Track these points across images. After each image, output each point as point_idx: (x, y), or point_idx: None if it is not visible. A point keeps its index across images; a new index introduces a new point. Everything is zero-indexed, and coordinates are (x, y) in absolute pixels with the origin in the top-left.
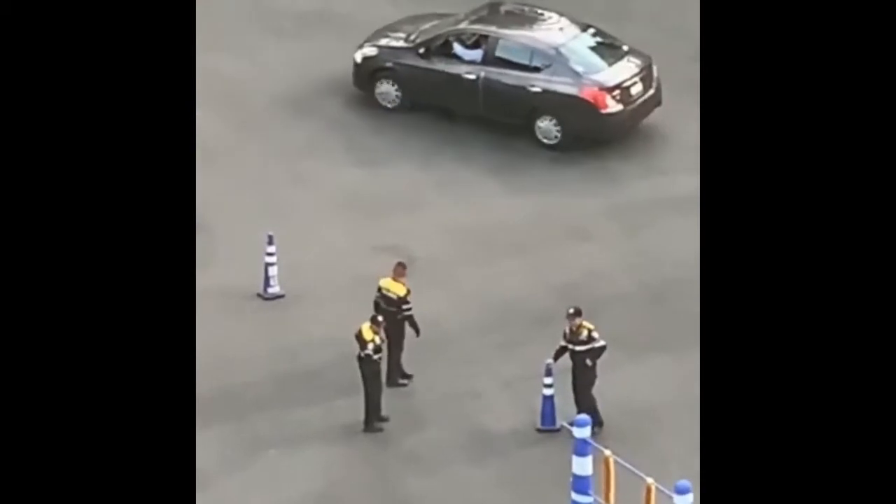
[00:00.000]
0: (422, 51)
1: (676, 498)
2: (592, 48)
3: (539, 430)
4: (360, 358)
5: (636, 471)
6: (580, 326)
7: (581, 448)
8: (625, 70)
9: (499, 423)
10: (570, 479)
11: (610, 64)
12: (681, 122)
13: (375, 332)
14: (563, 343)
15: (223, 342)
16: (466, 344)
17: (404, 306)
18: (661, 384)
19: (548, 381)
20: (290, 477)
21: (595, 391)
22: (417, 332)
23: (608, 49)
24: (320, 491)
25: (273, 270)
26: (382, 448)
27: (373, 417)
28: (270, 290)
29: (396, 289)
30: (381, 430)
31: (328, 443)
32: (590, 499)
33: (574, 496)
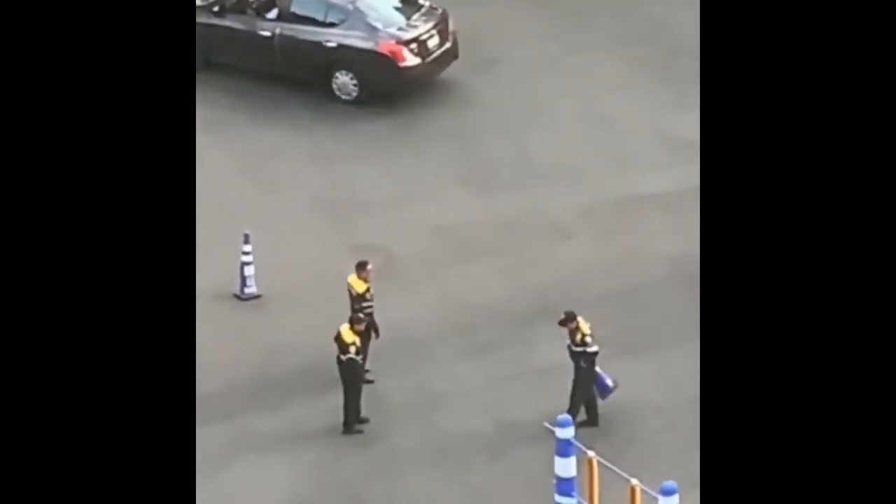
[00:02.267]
0: (216, 9)
1: (661, 499)
2: (389, 2)
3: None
4: (339, 360)
5: (620, 472)
6: (574, 330)
7: (564, 449)
8: (421, 23)
9: (478, 425)
10: (553, 482)
11: (406, 17)
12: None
13: (357, 334)
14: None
15: (201, 343)
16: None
17: (364, 304)
18: (647, 383)
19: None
20: (267, 481)
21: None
22: (376, 332)
23: (404, 3)
24: (299, 495)
25: (249, 270)
26: (361, 450)
27: (352, 420)
28: (247, 291)
29: (356, 285)
30: (360, 432)
31: (306, 445)
32: (573, 500)
33: (557, 498)
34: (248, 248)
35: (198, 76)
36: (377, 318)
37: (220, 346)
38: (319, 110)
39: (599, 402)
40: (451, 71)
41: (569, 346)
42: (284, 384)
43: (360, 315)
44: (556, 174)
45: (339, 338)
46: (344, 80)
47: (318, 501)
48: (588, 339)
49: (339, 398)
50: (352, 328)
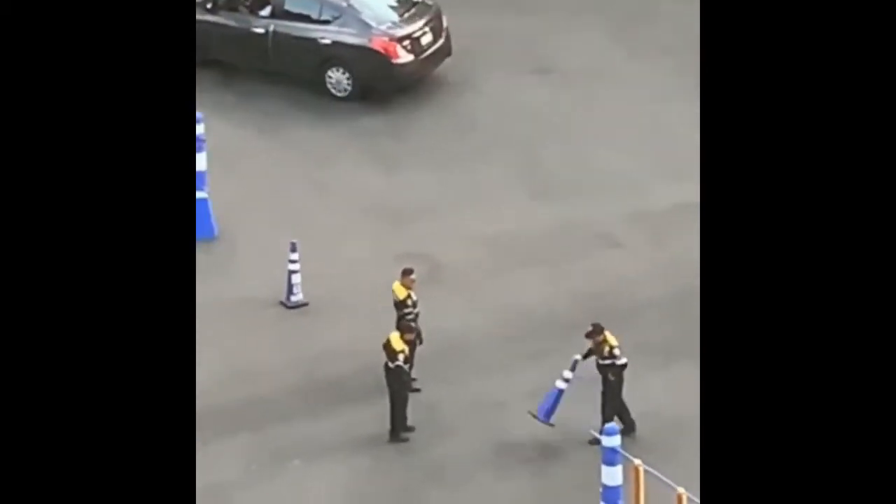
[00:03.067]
0: (209, 6)
1: None
2: None
3: (531, 414)
4: (387, 368)
5: (667, 480)
6: (602, 343)
7: (610, 457)
8: (414, 20)
9: (525, 434)
10: (600, 490)
11: (400, 14)
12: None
13: (406, 342)
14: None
15: (246, 352)
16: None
17: (405, 310)
18: (691, 393)
19: (566, 374)
20: (314, 488)
21: (627, 399)
22: (420, 338)
23: (398, 0)
24: (345, 501)
25: (296, 278)
26: (408, 459)
27: (399, 428)
28: (294, 299)
29: (398, 291)
30: (406, 440)
31: (353, 453)
32: None
33: None
34: (294, 256)
35: (202, 74)
36: (421, 324)
37: (266, 353)
38: (373, 112)
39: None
40: (504, 78)
41: (596, 360)
42: (330, 392)
43: (411, 324)
44: (606, 182)
45: (387, 345)
46: (338, 77)
47: None
48: (616, 352)
49: (386, 406)
50: (402, 336)
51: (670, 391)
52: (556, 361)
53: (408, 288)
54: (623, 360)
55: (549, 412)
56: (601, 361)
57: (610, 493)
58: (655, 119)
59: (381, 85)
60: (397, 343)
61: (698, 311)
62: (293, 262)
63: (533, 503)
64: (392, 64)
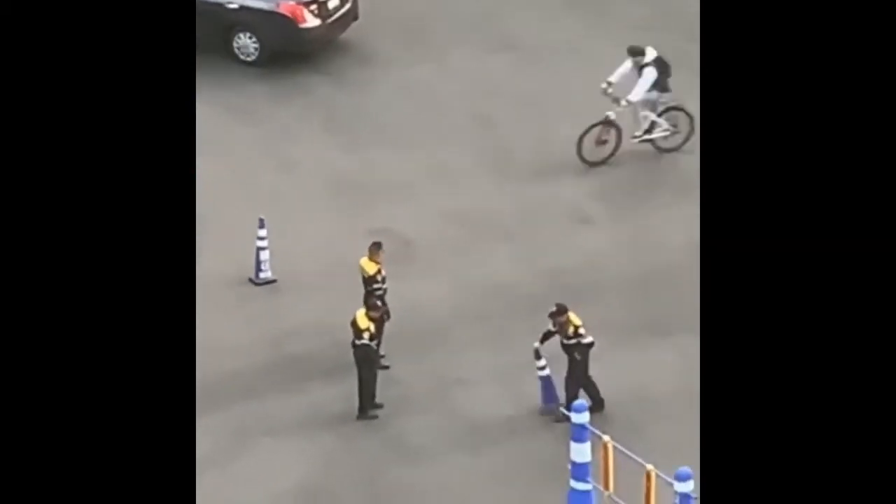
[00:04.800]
0: None
1: (677, 485)
2: None
3: (543, 413)
4: (354, 345)
5: (636, 457)
6: (566, 323)
7: (579, 434)
8: None
9: (493, 411)
10: (569, 466)
11: None
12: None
13: (371, 320)
14: (550, 328)
15: (215, 329)
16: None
17: (375, 285)
18: (660, 370)
19: (540, 363)
20: (282, 466)
21: (595, 377)
22: (387, 315)
23: None
24: (313, 479)
25: (264, 255)
26: (376, 436)
27: (367, 405)
28: (262, 276)
29: (367, 267)
30: (375, 417)
31: (321, 430)
32: (589, 486)
33: (573, 483)
34: (263, 232)
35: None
36: (390, 301)
37: (234, 331)
38: (335, 85)
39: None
40: (470, 52)
41: (560, 340)
42: (300, 369)
43: (377, 301)
44: (574, 159)
45: (354, 323)
46: (245, 42)
47: (332, 486)
48: (581, 331)
49: (354, 383)
50: (367, 314)
51: (639, 368)
52: (524, 338)
53: (377, 263)
54: (589, 339)
55: (551, 398)
56: (566, 341)
57: (579, 470)
58: (622, 96)
59: (288, 49)
60: (363, 321)
61: (665, 289)
62: (261, 238)
63: (502, 481)
64: (299, 28)
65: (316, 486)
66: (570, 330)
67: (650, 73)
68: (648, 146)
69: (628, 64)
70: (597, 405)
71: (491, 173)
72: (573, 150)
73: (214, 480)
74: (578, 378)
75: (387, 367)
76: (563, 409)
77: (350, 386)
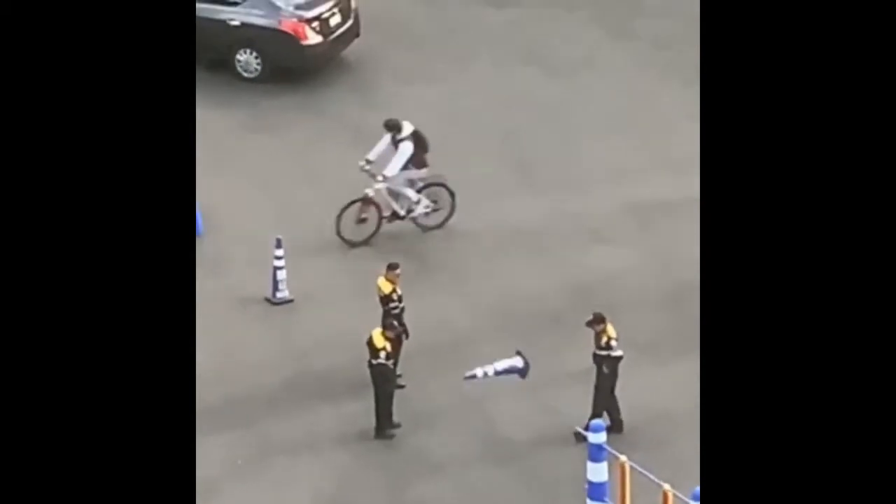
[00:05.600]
0: None
1: None
2: None
3: (579, 434)
4: (370, 365)
5: (652, 477)
6: (601, 333)
7: (596, 454)
8: (323, 1)
9: (513, 428)
10: (585, 486)
11: None
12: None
13: (388, 339)
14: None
15: (231, 347)
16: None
17: (391, 304)
18: (678, 388)
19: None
20: (299, 483)
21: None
22: (405, 333)
23: None
24: (330, 497)
25: (281, 274)
26: (394, 454)
27: (384, 423)
28: (279, 295)
29: (383, 287)
30: (392, 436)
31: (339, 448)
32: None
33: (589, 503)
34: (279, 252)
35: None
36: (409, 318)
37: (252, 350)
38: (354, 101)
39: (621, 406)
40: (490, 67)
41: (593, 351)
42: (316, 388)
43: (394, 322)
44: (594, 176)
45: (370, 342)
46: (247, 59)
47: (356, 503)
48: (613, 343)
49: (371, 402)
50: (383, 333)
51: (658, 387)
52: (544, 355)
53: (392, 283)
54: (618, 353)
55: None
56: (597, 352)
57: (595, 490)
58: (642, 113)
59: (291, 66)
60: (379, 340)
61: (688, 306)
62: (278, 258)
63: (519, 499)
64: (301, 45)
65: (333, 502)
66: (604, 340)
67: (406, 148)
68: None
69: (386, 139)
70: (616, 426)
71: (513, 187)
72: (595, 164)
73: (232, 497)
74: (604, 393)
75: (402, 387)
76: (579, 429)
77: (367, 404)
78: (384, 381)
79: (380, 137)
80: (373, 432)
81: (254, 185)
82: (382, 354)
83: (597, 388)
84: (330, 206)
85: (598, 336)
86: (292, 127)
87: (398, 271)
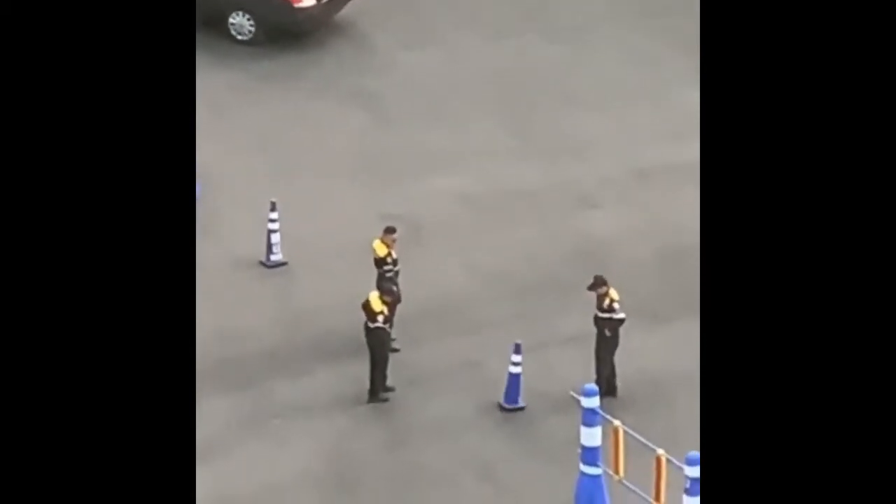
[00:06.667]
0: None
1: (687, 469)
2: None
3: (501, 408)
4: (367, 329)
5: (646, 442)
6: (604, 295)
7: (589, 418)
8: None
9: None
10: (579, 451)
11: None
12: None
13: (385, 303)
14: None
15: (225, 311)
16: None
17: (385, 267)
18: (675, 352)
19: (516, 359)
20: (294, 447)
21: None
22: (399, 298)
23: None
24: (325, 460)
25: (276, 238)
26: (387, 419)
27: (378, 388)
28: (273, 258)
29: (378, 249)
30: (386, 400)
31: (333, 413)
32: (599, 470)
33: (583, 467)
34: (274, 215)
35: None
36: (402, 283)
37: (245, 313)
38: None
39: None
40: (480, 36)
41: (594, 314)
42: (310, 352)
43: (391, 286)
44: (592, 140)
45: (367, 306)
46: (240, 21)
47: (340, 469)
48: (616, 306)
49: (365, 366)
50: (380, 297)
51: (653, 351)
52: (537, 321)
53: (388, 246)
54: (621, 315)
55: (514, 397)
56: (600, 314)
57: (589, 454)
58: (629, 81)
59: (284, 29)
60: (376, 304)
61: (684, 270)
62: (272, 221)
63: (512, 464)
64: (294, 8)
65: (327, 469)
66: (606, 303)
67: None
68: None
69: None
70: (610, 390)
71: (511, 151)
72: (593, 134)
73: (227, 460)
74: (606, 357)
75: (397, 350)
76: (572, 393)
77: (361, 368)
78: (381, 346)
79: (377, 101)
80: (366, 396)
81: (249, 148)
82: (380, 318)
83: (598, 351)
84: (324, 169)
85: (600, 298)
86: (287, 90)
87: (395, 235)
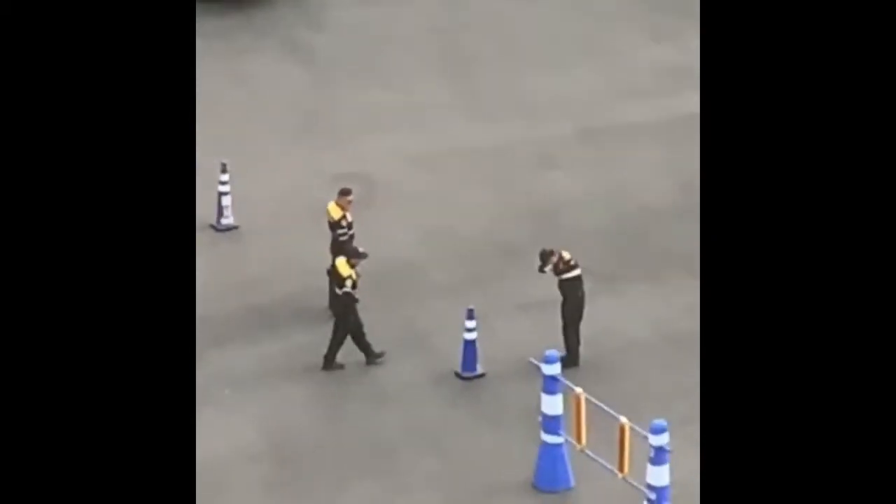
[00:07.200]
0: None
1: (652, 438)
2: None
3: (459, 376)
4: (333, 295)
5: (609, 409)
6: (557, 263)
7: (550, 386)
8: None
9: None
10: (539, 419)
11: None
12: None
13: (352, 266)
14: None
15: None
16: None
17: (339, 231)
18: (637, 319)
19: (470, 324)
20: (242, 416)
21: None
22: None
23: None
24: (277, 429)
25: (226, 200)
26: (343, 386)
27: (333, 357)
28: (224, 222)
29: (332, 212)
30: (342, 367)
31: (288, 380)
32: (560, 439)
33: (544, 436)
34: (225, 177)
35: None
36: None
37: (196, 278)
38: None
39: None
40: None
41: (557, 281)
42: (263, 319)
43: (358, 248)
44: (536, 103)
45: (334, 271)
46: None
47: (291, 438)
48: (572, 263)
49: (315, 334)
50: (348, 261)
51: (612, 318)
52: (494, 285)
53: (343, 208)
54: (578, 271)
55: (472, 364)
56: (560, 278)
57: (550, 423)
58: (595, 38)
59: None
60: (344, 268)
61: (639, 236)
62: (223, 183)
63: (472, 431)
64: None
65: (274, 439)
66: (560, 266)
67: None
68: None
69: None
70: (571, 359)
71: (463, 112)
72: (546, 92)
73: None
74: (573, 323)
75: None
76: (532, 360)
77: (312, 338)
78: (348, 312)
79: (316, 57)
80: (321, 363)
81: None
82: (348, 283)
83: (564, 318)
84: (273, 130)
85: (555, 267)
86: (234, 47)
87: (350, 197)
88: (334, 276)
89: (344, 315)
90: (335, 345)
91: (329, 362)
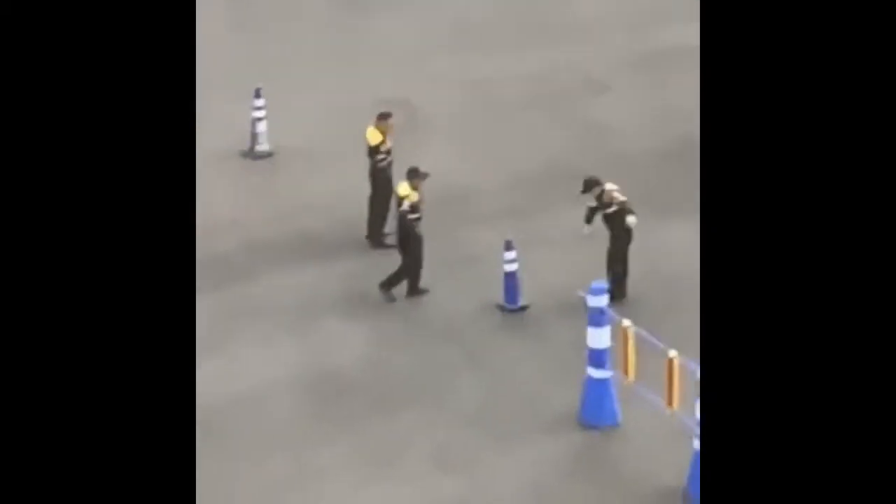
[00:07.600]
0: None
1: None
2: None
3: (501, 308)
4: (403, 217)
5: (658, 342)
6: (601, 194)
7: (596, 319)
8: None
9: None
10: (586, 353)
11: None
12: None
13: (414, 188)
14: (590, 205)
15: (209, 205)
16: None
17: (378, 156)
18: (686, 251)
19: (509, 255)
20: (283, 346)
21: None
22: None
23: None
24: (320, 360)
25: (261, 126)
26: (381, 319)
27: (394, 282)
28: (259, 148)
29: (371, 137)
30: (394, 300)
31: (324, 312)
32: (607, 373)
33: (589, 370)
34: (259, 102)
35: None
36: (396, 175)
37: (229, 207)
38: None
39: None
40: None
41: (602, 214)
42: (297, 247)
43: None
44: (585, 25)
45: (396, 196)
46: None
47: (334, 368)
48: (615, 195)
49: (358, 262)
50: (410, 183)
51: (664, 248)
52: (541, 214)
53: (383, 133)
54: (623, 198)
55: (513, 297)
56: (606, 212)
57: (596, 357)
58: None
59: None
60: (402, 189)
61: (691, 162)
62: (258, 108)
63: (515, 365)
64: None
65: (325, 368)
66: (606, 197)
67: None
68: None
69: None
70: (619, 291)
71: (505, 37)
72: (589, 13)
73: (208, 363)
74: (621, 254)
75: (392, 246)
76: (580, 293)
77: (348, 266)
78: (406, 235)
79: None
80: (357, 293)
81: (229, 30)
82: (405, 204)
83: (611, 250)
84: (305, 54)
85: (599, 198)
86: None
87: (390, 121)
88: (397, 201)
89: (405, 240)
90: (402, 271)
91: (413, 289)
